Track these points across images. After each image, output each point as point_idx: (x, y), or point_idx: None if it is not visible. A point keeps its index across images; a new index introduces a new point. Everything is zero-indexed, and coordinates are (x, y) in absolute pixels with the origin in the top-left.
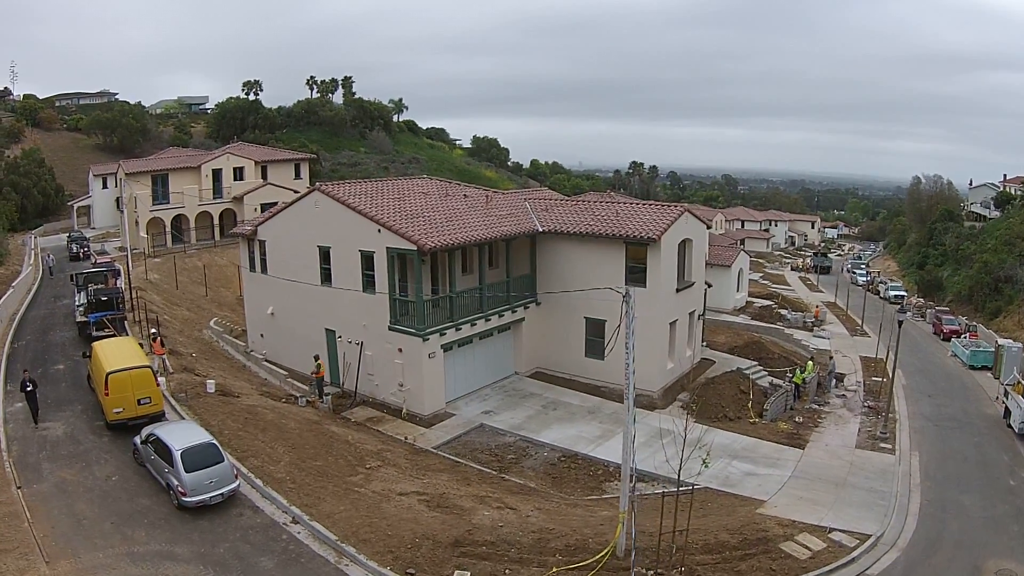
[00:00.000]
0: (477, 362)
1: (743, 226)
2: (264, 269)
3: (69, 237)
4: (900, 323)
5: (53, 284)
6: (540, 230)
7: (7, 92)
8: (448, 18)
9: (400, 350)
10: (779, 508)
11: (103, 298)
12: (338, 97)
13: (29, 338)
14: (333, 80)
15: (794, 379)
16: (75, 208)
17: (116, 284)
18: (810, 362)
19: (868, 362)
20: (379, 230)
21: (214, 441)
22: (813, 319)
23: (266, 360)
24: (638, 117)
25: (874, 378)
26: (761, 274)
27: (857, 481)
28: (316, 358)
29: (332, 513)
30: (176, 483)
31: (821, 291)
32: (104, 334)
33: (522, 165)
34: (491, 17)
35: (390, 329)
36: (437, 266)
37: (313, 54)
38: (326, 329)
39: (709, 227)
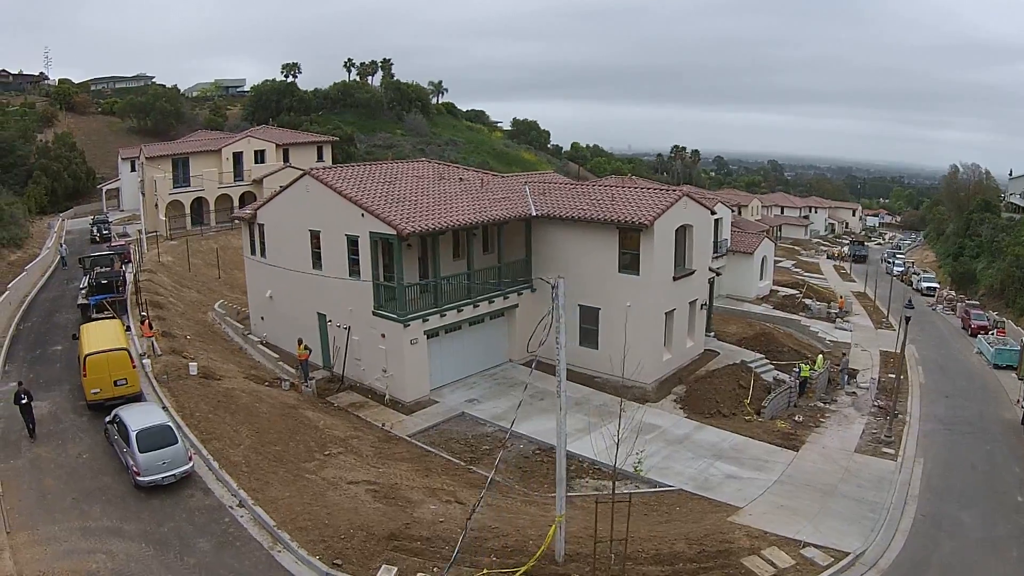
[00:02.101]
0: (467, 349)
1: (782, 212)
2: (263, 253)
3: (93, 220)
4: (907, 319)
5: (68, 267)
6: (534, 214)
7: (42, 77)
8: (494, 1)
9: (383, 336)
10: (753, 517)
11: (103, 281)
12: (378, 80)
13: (36, 319)
14: (373, 63)
15: (800, 374)
16: (104, 191)
17: (121, 267)
18: (820, 356)
19: (888, 357)
20: (362, 214)
21: (169, 423)
22: (837, 310)
23: (262, 343)
24: (686, 102)
25: (891, 375)
26: (794, 262)
27: (848, 490)
28: (300, 341)
29: (277, 499)
30: (131, 463)
31: (853, 280)
32: (103, 316)
33: (561, 148)
34: (538, 0)
35: (374, 314)
36: (427, 251)
37: (356, 37)
38: (318, 313)
39: (740, 213)
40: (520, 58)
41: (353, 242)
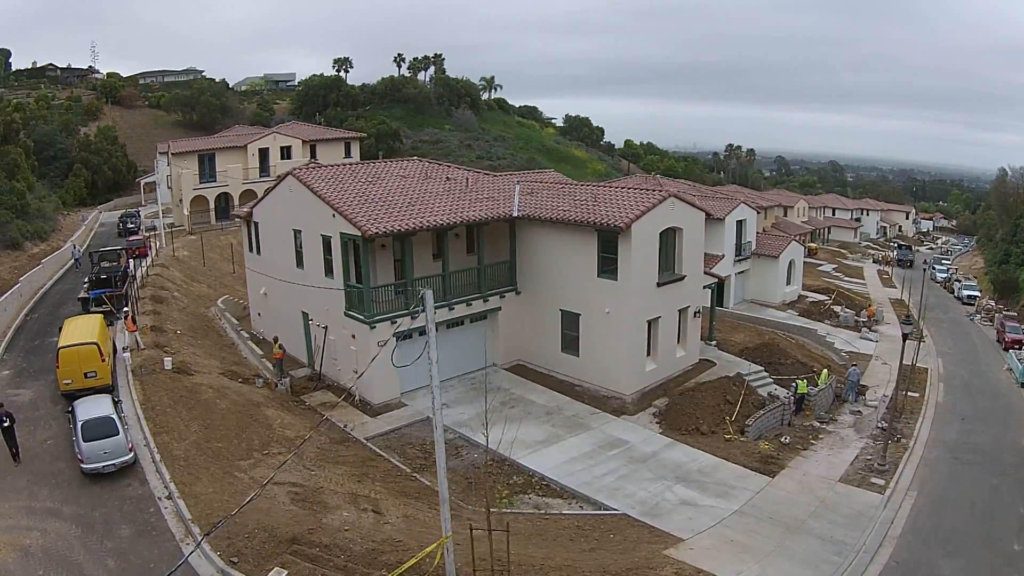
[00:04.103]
0: (445, 352)
1: (834, 214)
2: (258, 251)
3: (123, 214)
4: (905, 336)
5: (82, 267)
6: (515, 215)
7: (91, 70)
8: None
9: (353, 336)
10: (694, 552)
11: (102, 276)
12: (430, 76)
13: (43, 311)
14: (425, 58)
15: (797, 390)
16: (142, 184)
17: (127, 263)
18: (825, 371)
19: (910, 372)
20: (333, 214)
21: (112, 416)
22: (866, 319)
23: (251, 339)
24: (746, 100)
25: (910, 393)
26: (835, 266)
27: (817, 526)
28: (275, 340)
29: (200, 494)
30: (77, 451)
31: (894, 287)
32: (101, 310)
33: (614, 145)
34: None
35: (345, 315)
36: (406, 252)
37: (413, 32)
38: (302, 312)
39: (786, 214)
40: (583, 54)
41: (327, 242)
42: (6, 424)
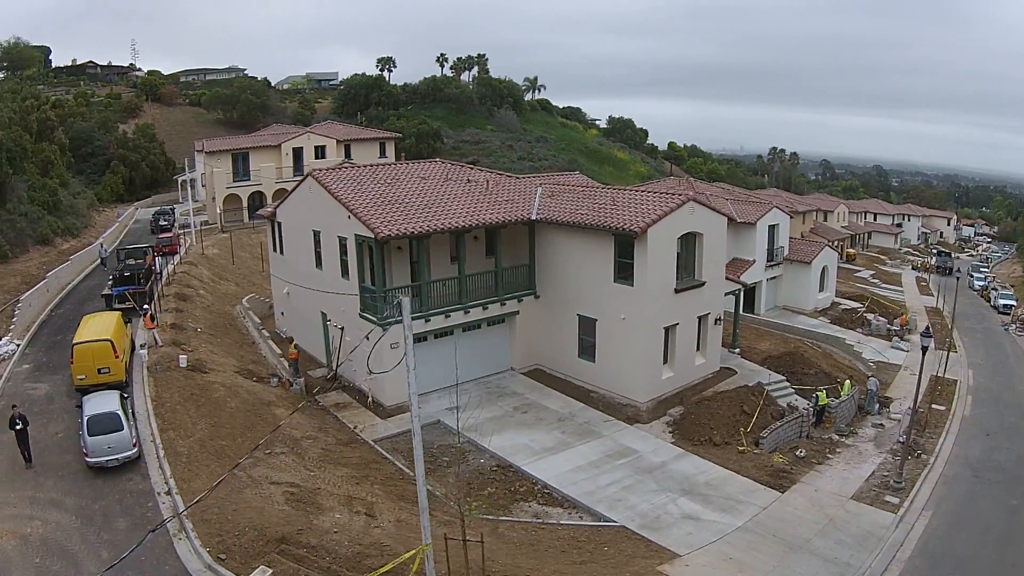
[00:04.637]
0: (461, 355)
1: (875, 219)
2: (282, 250)
3: (157, 211)
4: (924, 349)
5: (108, 266)
6: (534, 218)
7: (131, 68)
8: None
9: (367, 338)
10: (689, 569)
11: (126, 274)
12: (473, 76)
13: (68, 307)
14: (469, 57)
15: (818, 401)
16: (180, 182)
17: (153, 260)
18: (847, 381)
19: (937, 384)
20: (348, 216)
21: (118, 411)
22: (898, 327)
23: (272, 339)
24: (795, 103)
25: (935, 406)
26: (873, 272)
27: (822, 546)
28: (291, 340)
29: (199, 491)
30: (82, 444)
31: (931, 294)
32: (124, 307)
33: (657, 147)
34: None
35: (359, 316)
36: (421, 254)
37: (458, 32)
38: (321, 312)
39: (825, 219)
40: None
41: (343, 243)
42: (19, 427)
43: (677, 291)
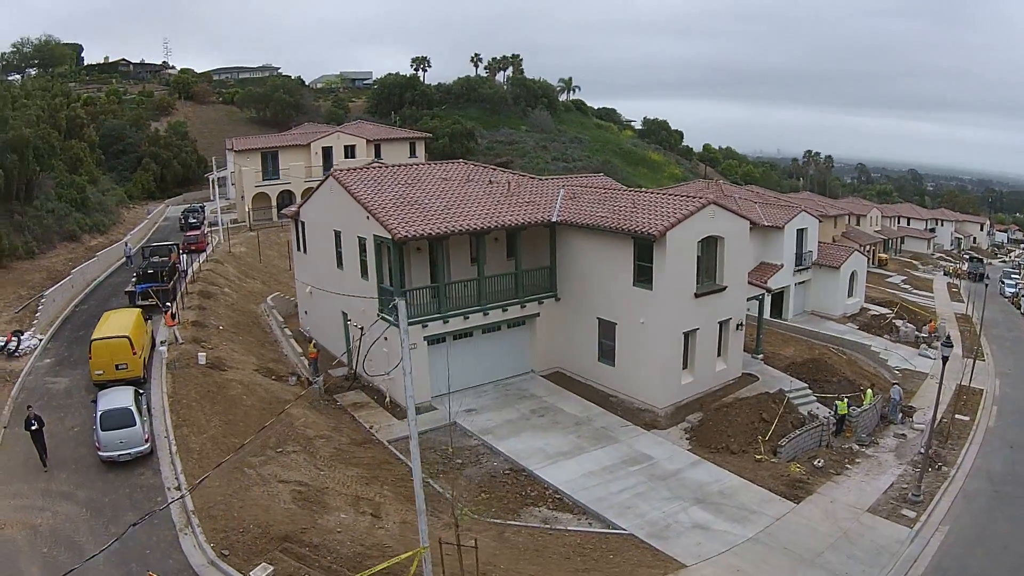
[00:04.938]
0: (480, 357)
1: (908, 223)
2: (305, 250)
3: (186, 208)
4: (944, 359)
5: (140, 255)
6: (554, 220)
7: (164, 66)
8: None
9: (385, 338)
10: None
11: (149, 271)
12: (507, 76)
13: (92, 303)
14: (503, 58)
15: (838, 410)
16: (211, 180)
17: (177, 258)
18: (870, 390)
19: (962, 394)
20: (367, 216)
21: (131, 407)
22: (927, 334)
23: (293, 337)
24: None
25: (959, 416)
26: (905, 277)
27: (834, 560)
28: (311, 340)
29: (207, 487)
30: (95, 439)
31: (962, 301)
32: (147, 304)
33: (692, 149)
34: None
35: (378, 317)
36: (439, 256)
37: (494, 33)
38: (342, 311)
39: (858, 223)
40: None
41: (362, 244)
42: (35, 427)
43: (697, 295)
